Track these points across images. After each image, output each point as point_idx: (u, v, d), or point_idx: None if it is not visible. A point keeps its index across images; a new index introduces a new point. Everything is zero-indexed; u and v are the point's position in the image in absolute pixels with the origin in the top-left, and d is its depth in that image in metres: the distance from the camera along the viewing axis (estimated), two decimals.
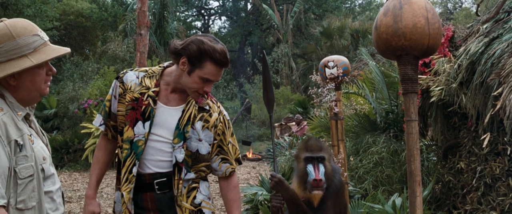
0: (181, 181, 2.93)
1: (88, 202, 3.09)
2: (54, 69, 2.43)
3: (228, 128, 3.08)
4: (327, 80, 5.61)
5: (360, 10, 36.17)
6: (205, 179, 3.12)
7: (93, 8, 26.19)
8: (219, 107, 3.06)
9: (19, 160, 2.18)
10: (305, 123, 13.90)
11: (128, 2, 24.95)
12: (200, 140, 2.95)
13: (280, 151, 10.82)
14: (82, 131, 12.99)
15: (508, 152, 4.50)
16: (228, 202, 3.11)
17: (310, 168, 2.90)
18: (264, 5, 28.42)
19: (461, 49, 5.18)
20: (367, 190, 5.97)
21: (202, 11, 39.47)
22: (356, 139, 7.33)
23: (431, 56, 5.29)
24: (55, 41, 22.22)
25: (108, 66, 16.58)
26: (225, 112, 3.10)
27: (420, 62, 5.18)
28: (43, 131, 2.60)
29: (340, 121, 5.67)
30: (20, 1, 18.86)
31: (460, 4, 36.95)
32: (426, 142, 6.34)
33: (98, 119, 3.08)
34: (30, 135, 2.32)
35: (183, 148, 2.90)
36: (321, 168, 2.88)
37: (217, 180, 10.54)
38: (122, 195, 2.92)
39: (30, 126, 2.41)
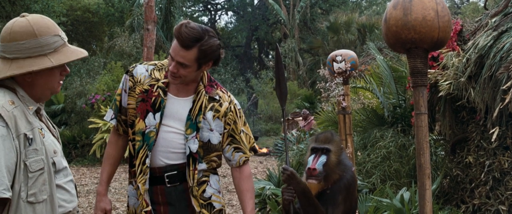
0: (196, 171, 2.94)
1: (99, 198, 3.09)
2: (68, 69, 2.44)
3: (239, 117, 3.07)
4: (335, 75, 5.61)
5: (367, 4, 36.07)
6: (215, 172, 3.12)
7: (100, 3, 26.20)
8: (229, 96, 3.06)
9: (29, 154, 2.19)
10: (312, 117, 13.88)
11: None
12: (211, 130, 2.95)
13: (288, 146, 10.83)
14: (90, 126, 13.03)
15: None
16: (241, 192, 3.12)
17: (310, 158, 2.91)
18: (271, 0, 28.37)
19: (470, 43, 5.16)
20: (375, 185, 5.97)
21: (209, 6, 39.49)
22: (364, 134, 7.32)
23: (440, 50, 5.28)
24: None
25: (115, 62, 16.61)
26: (236, 101, 3.09)
27: (429, 56, 5.17)
28: (54, 125, 2.62)
29: (348, 115, 5.68)
30: None
31: None
32: (434, 137, 6.32)
33: (109, 114, 3.07)
34: (41, 129, 2.33)
35: (196, 138, 2.91)
36: (322, 159, 2.87)
37: (225, 174, 10.53)
38: (138, 187, 2.92)
39: (40, 120, 2.42)
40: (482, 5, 8.14)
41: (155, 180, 2.94)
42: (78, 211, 2.67)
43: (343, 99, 5.61)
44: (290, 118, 17.03)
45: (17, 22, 2.27)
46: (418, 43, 2.56)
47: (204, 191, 3.01)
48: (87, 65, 19.30)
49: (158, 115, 2.90)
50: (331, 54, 5.74)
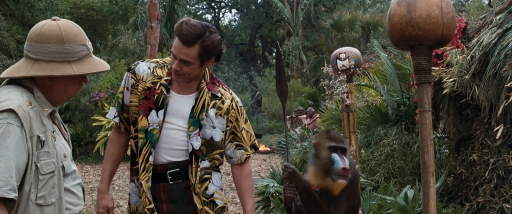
0: (198, 168, 2.94)
1: (101, 196, 3.10)
2: (88, 79, 2.45)
3: (241, 114, 3.09)
4: (339, 72, 5.59)
5: (371, 2, 35.99)
6: (217, 170, 3.12)
7: (103, 1, 26.24)
8: (231, 94, 3.07)
9: (41, 156, 2.19)
10: (317, 115, 13.87)
11: None
12: (214, 127, 2.96)
13: (291, 144, 10.81)
14: (94, 124, 13.05)
15: None
16: (241, 190, 3.13)
17: (336, 156, 2.85)
18: None
19: (474, 40, 5.14)
20: (379, 182, 5.95)
21: (213, 4, 39.45)
22: (368, 131, 7.30)
23: (444, 48, 5.26)
24: None
25: (119, 59, 16.62)
26: (237, 99, 3.10)
27: (433, 53, 5.15)
28: (65, 127, 2.61)
29: (352, 113, 5.66)
30: None
31: None
32: (438, 135, 6.30)
33: (111, 112, 3.07)
34: (53, 132, 2.33)
35: (199, 135, 2.91)
36: (346, 158, 2.86)
37: (229, 172, 10.54)
38: (141, 185, 2.91)
39: (53, 122, 2.42)
40: (487, 2, 8.11)
41: (157, 177, 2.94)
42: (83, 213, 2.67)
43: (347, 97, 5.59)
44: (294, 116, 17.03)
45: (48, 24, 2.28)
46: (422, 40, 2.55)
47: (206, 188, 3.01)
48: None
49: (161, 112, 2.90)
50: (334, 52, 5.72)
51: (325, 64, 6.40)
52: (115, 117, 3.06)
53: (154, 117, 2.90)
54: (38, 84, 2.30)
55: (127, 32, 21.35)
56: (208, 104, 2.94)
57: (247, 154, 3.10)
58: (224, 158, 3.15)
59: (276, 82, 3.22)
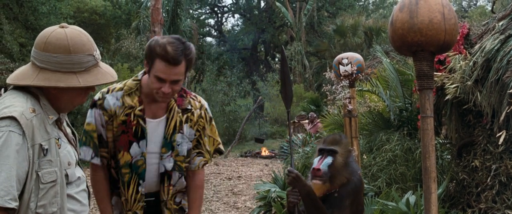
0: (171, 187, 2.97)
1: None
2: (95, 88, 2.40)
3: (208, 121, 3.04)
4: (341, 78, 5.60)
5: (374, 8, 36.05)
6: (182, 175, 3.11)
7: (107, 5, 26.29)
8: (200, 102, 3.02)
9: (43, 164, 2.17)
10: (318, 120, 13.87)
11: (142, 0, 25.04)
12: (188, 140, 2.97)
13: (293, 149, 10.81)
14: None
15: None
16: (189, 199, 3.10)
17: (316, 159, 2.91)
18: (278, 3, 28.34)
19: (477, 46, 5.14)
20: (381, 188, 5.95)
21: (216, 9, 39.50)
22: (370, 137, 7.30)
23: (446, 54, 5.26)
24: None
25: (121, 64, 16.65)
26: (206, 105, 3.05)
27: (435, 59, 5.15)
28: (75, 133, 2.59)
29: (354, 118, 5.67)
30: None
31: (474, 2, 36.69)
32: (440, 140, 6.29)
33: (87, 153, 2.90)
34: (58, 139, 2.30)
35: (171, 156, 2.91)
36: (327, 160, 2.86)
37: (231, 177, 10.50)
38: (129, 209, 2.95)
39: (60, 129, 2.39)
40: (489, 8, 8.11)
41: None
42: None
43: (349, 102, 5.60)
44: (296, 121, 17.02)
45: (55, 33, 2.23)
46: (424, 46, 2.56)
47: (175, 197, 3.07)
48: None
49: (142, 142, 2.86)
50: (337, 57, 5.73)
51: (328, 70, 6.41)
52: (93, 158, 2.90)
53: (136, 149, 2.87)
54: (44, 92, 2.28)
55: (129, 36, 21.38)
56: (182, 122, 2.91)
57: (204, 160, 3.07)
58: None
59: (280, 87, 3.21)
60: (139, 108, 2.83)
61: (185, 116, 2.92)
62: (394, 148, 6.35)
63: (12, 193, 2.04)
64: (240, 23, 41.16)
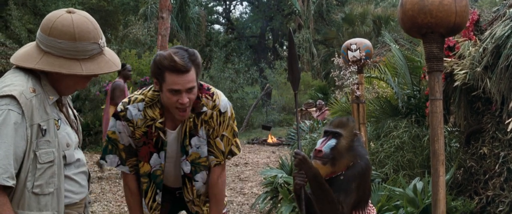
0: (194, 188, 3.00)
1: None
2: (98, 74, 2.39)
3: (221, 122, 2.96)
4: (350, 63, 5.58)
5: None
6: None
7: None
8: (214, 101, 2.92)
9: (41, 144, 2.17)
10: (326, 108, 13.90)
11: None
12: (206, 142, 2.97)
13: (300, 134, 10.82)
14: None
15: None
16: (209, 195, 3.10)
17: (319, 140, 2.90)
18: None
19: (487, 33, 5.09)
20: (388, 174, 5.93)
21: None
22: (377, 124, 7.27)
23: (456, 40, 5.22)
24: None
25: (129, 50, 16.66)
26: (221, 104, 2.94)
27: (445, 45, 5.11)
28: (76, 115, 2.59)
29: (362, 104, 5.65)
30: None
31: None
32: (448, 128, 6.26)
33: (113, 160, 2.95)
34: (58, 120, 2.31)
35: (187, 160, 2.92)
36: (330, 142, 2.85)
37: (237, 164, 10.55)
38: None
39: (61, 110, 2.40)
40: None
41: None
42: (89, 202, 2.67)
43: (357, 88, 5.58)
44: (304, 109, 17.02)
45: (61, 18, 2.22)
46: (434, 28, 2.53)
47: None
48: None
49: (162, 153, 2.89)
50: (345, 43, 5.71)
51: (336, 55, 6.39)
52: (118, 166, 2.95)
53: (155, 159, 2.90)
54: (46, 73, 2.27)
55: (137, 22, 21.36)
56: (197, 126, 2.89)
57: (217, 161, 3.01)
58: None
59: (288, 69, 3.19)
60: (160, 120, 2.83)
61: (199, 118, 2.89)
62: (401, 135, 6.32)
63: (10, 171, 2.06)
64: (248, 11, 41.05)
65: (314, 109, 16.18)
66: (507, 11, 5.17)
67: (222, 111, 2.93)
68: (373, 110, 7.54)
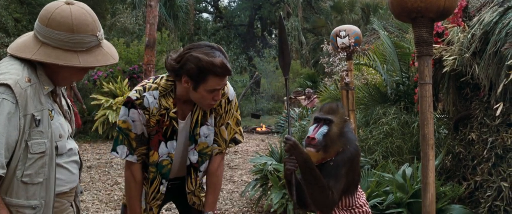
0: (198, 179, 3.01)
1: None
2: (94, 67, 2.38)
3: (228, 110, 2.99)
4: (339, 50, 5.58)
5: None
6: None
7: None
8: (223, 89, 2.91)
9: (34, 135, 2.16)
10: (315, 96, 13.94)
11: None
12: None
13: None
14: (92, 103, 13.04)
15: None
16: (207, 184, 3.11)
17: (311, 127, 2.90)
18: None
19: (475, 19, 5.11)
20: (377, 161, 5.96)
21: None
22: (366, 111, 7.29)
23: (445, 26, 5.23)
24: None
25: (117, 39, 16.57)
26: (230, 92, 2.97)
27: (433, 32, 5.12)
28: (70, 105, 2.58)
29: (351, 91, 5.66)
30: None
31: None
32: (437, 115, 6.29)
33: (122, 150, 2.87)
34: (51, 110, 2.30)
35: (195, 149, 2.92)
36: (323, 129, 2.85)
37: (227, 152, 10.65)
38: (151, 208, 3.03)
39: (55, 100, 2.39)
40: None
41: None
42: (81, 191, 2.66)
43: (347, 75, 5.59)
44: (293, 97, 17.05)
45: (60, 9, 2.21)
46: (424, 12, 2.53)
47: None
48: None
49: (170, 143, 2.87)
50: (335, 30, 5.71)
51: (325, 42, 6.38)
52: (127, 156, 2.88)
53: (163, 148, 2.88)
54: (43, 64, 2.26)
55: (125, 11, 21.23)
56: (206, 115, 2.91)
57: (219, 149, 3.04)
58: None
59: (278, 54, 3.19)
60: (173, 110, 2.81)
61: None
62: (390, 121, 6.35)
63: (0, 161, 2.05)
64: None
65: (303, 97, 16.22)
66: None
67: (230, 99, 2.97)
68: (362, 97, 7.56)
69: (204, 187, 3.18)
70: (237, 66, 24.90)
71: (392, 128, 6.23)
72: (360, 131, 6.95)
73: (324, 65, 5.87)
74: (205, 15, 39.14)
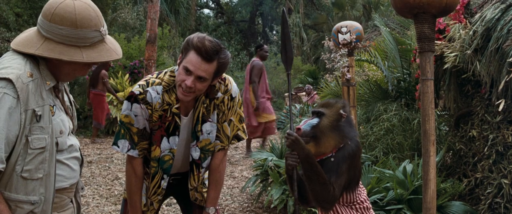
0: (200, 175, 3.02)
1: None
2: (98, 62, 2.37)
3: (231, 107, 3.00)
4: (340, 46, 5.57)
5: None
6: None
7: None
8: (226, 86, 2.96)
9: (34, 130, 2.16)
10: (315, 92, 13.97)
11: None
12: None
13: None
14: None
15: None
16: (209, 180, 3.12)
17: (304, 119, 2.92)
18: None
19: (477, 16, 5.10)
20: (378, 157, 5.96)
21: None
22: (367, 107, 7.29)
23: (446, 22, 5.23)
24: None
25: (118, 34, 16.56)
26: (233, 89, 2.99)
27: (435, 28, 5.11)
28: (72, 101, 2.58)
29: (352, 87, 5.65)
30: None
31: None
32: (438, 112, 6.29)
33: (124, 145, 2.87)
34: (53, 106, 2.29)
35: (197, 146, 2.93)
36: (312, 121, 2.86)
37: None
38: (152, 203, 3.03)
39: (56, 96, 2.38)
40: None
41: None
42: (82, 187, 2.66)
43: (348, 71, 5.58)
44: (293, 93, 17.06)
45: (63, 4, 2.20)
46: (426, 8, 2.53)
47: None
48: None
49: (172, 138, 2.88)
50: (336, 26, 5.70)
51: (326, 40, 6.38)
52: (129, 150, 2.88)
53: (165, 144, 2.88)
54: (46, 59, 2.25)
55: (126, 6, 21.22)
56: (209, 111, 2.92)
57: (221, 146, 3.05)
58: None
59: (281, 49, 3.19)
60: (176, 106, 2.82)
61: (212, 103, 2.92)
62: (391, 118, 6.34)
63: (0, 156, 2.05)
64: None
65: (304, 93, 16.24)
66: None
67: (233, 96, 2.98)
68: (363, 93, 7.55)
69: (206, 182, 3.18)
70: (238, 62, 24.86)
71: (393, 124, 6.22)
72: (361, 127, 6.94)
73: (325, 61, 5.87)
74: (206, 11, 39.17)
